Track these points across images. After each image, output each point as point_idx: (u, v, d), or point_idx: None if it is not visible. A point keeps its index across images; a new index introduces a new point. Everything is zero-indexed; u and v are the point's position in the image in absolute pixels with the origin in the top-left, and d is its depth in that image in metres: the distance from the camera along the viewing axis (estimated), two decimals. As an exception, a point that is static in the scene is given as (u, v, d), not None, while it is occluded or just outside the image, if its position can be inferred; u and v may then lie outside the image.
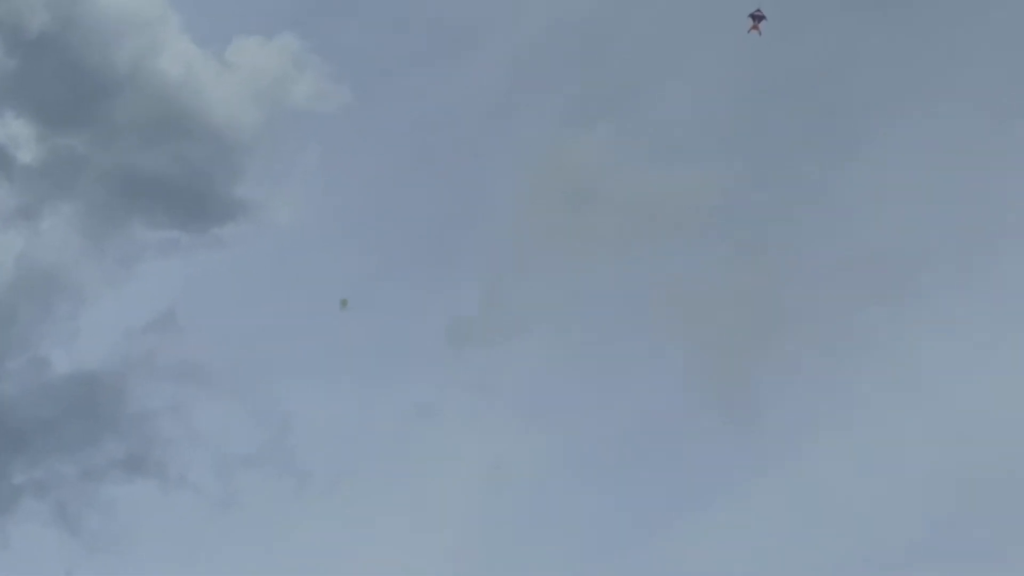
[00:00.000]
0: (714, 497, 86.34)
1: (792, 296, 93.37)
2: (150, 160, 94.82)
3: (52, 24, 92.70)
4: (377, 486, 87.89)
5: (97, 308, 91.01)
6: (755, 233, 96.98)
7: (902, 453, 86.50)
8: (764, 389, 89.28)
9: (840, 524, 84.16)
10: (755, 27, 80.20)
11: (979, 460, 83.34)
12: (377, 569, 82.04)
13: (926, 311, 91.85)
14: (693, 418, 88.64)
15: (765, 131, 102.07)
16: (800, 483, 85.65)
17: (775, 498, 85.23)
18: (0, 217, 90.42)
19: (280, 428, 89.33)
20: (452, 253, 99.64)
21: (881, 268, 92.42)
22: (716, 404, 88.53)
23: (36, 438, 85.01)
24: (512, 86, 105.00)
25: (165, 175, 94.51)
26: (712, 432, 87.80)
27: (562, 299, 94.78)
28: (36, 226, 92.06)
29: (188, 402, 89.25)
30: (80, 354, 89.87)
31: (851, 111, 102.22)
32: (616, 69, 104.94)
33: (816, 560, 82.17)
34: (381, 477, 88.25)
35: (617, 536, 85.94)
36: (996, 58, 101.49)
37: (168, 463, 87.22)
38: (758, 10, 79.69)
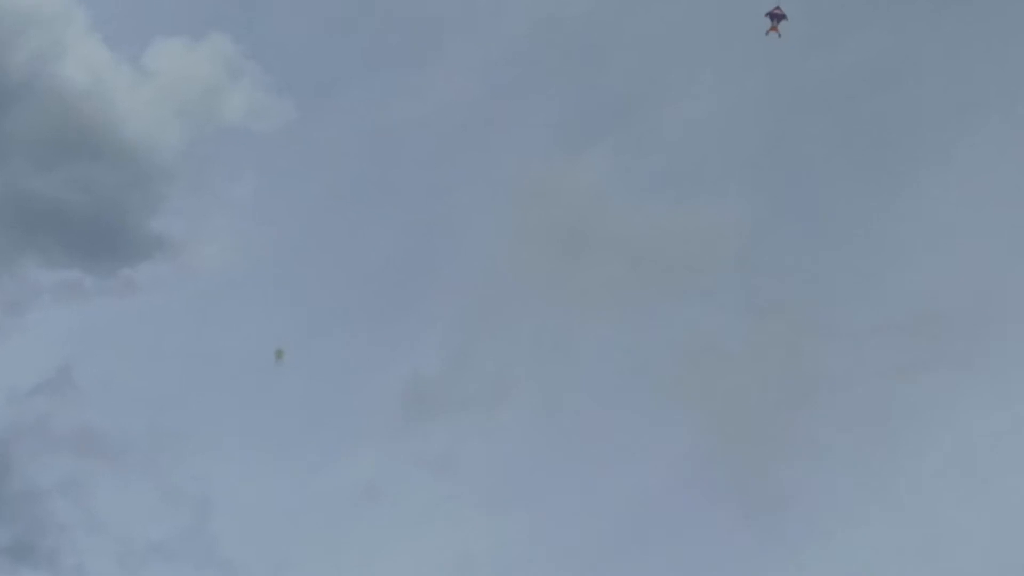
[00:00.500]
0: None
1: (825, 361, 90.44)
2: (47, 185, 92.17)
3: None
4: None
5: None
6: (781, 283, 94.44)
7: (956, 552, 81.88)
8: (789, 472, 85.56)
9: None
10: (774, 28, 77.90)
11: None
12: None
13: (989, 382, 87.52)
14: (702, 507, 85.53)
15: (795, 156, 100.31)
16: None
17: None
18: None
19: (199, 511, 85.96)
20: (412, 300, 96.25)
21: (937, 329, 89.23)
22: (731, 490, 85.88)
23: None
24: (488, 98, 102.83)
25: (65, 203, 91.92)
26: (725, 525, 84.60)
27: (546, 359, 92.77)
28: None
29: (87, 479, 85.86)
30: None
31: (903, 131, 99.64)
32: (615, 77, 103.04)
33: None
34: (320, 572, 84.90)
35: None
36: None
37: (62, 552, 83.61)
38: (777, 8, 77.45)
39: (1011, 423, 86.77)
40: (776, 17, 77.80)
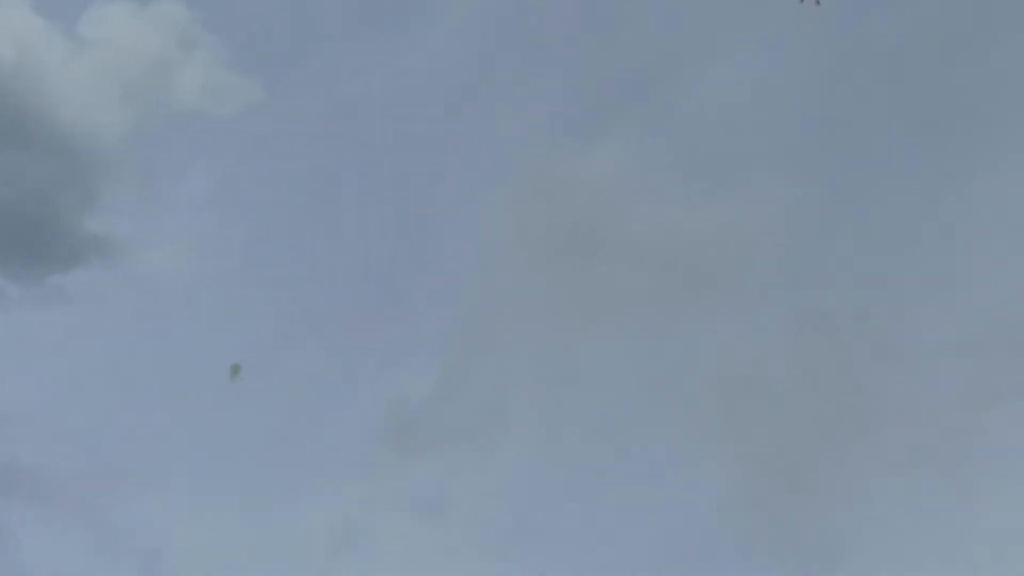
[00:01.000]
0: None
1: (884, 388, 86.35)
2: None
3: None
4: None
5: None
6: (829, 293, 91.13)
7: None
8: (839, 522, 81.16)
9: None
10: None
11: None
12: None
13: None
14: (735, 562, 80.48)
15: (844, 138, 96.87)
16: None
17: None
18: None
19: (144, 562, 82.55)
20: (396, 312, 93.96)
21: (1012, 352, 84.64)
22: (769, 542, 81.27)
23: None
24: (481, 71, 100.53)
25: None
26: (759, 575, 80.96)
27: (550, 384, 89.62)
28: None
29: (10, 524, 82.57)
30: None
31: (977, 105, 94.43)
32: (631, 53, 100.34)
33: None
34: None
35: None
36: None
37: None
38: None
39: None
40: None
